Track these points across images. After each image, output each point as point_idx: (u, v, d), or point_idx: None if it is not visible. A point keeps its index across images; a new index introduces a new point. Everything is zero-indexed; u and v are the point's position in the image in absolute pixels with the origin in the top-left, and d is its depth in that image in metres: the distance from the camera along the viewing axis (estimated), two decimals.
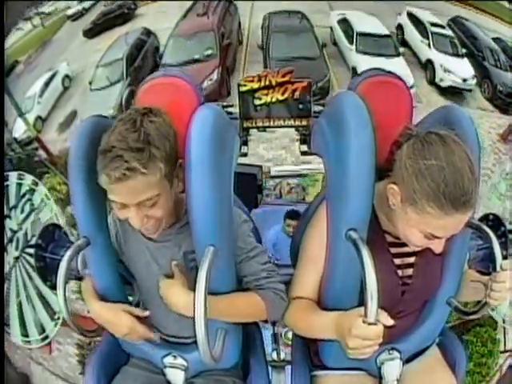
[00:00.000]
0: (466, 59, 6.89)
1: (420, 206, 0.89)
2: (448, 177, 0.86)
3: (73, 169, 0.99)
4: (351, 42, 6.97)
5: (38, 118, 6.41)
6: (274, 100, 2.86)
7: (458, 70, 6.73)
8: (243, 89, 2.81)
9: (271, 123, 2.89)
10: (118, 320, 1.03)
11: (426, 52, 6.95)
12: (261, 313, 1.06)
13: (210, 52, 6.57)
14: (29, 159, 5.44)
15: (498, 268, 0.99)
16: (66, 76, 6.98)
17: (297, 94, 2.82)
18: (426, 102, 6.26)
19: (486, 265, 1.27)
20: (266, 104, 2.86)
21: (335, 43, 7.33)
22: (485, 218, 1.82)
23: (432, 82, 6.76)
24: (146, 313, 1.05)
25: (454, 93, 6.59)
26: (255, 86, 2.83)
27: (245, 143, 2.94)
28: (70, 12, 8.05)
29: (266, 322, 1.20)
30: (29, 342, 2.84)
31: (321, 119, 1.10)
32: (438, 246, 0.94)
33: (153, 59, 6.86)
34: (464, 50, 6.96)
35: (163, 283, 1.04)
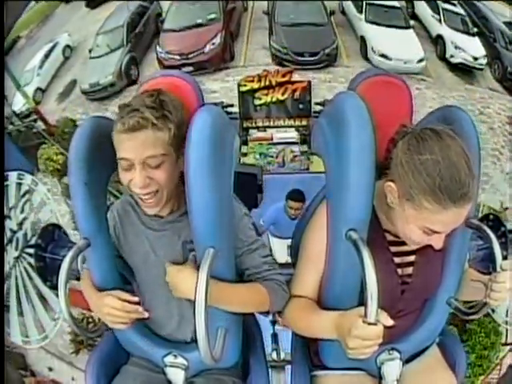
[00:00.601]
0: (477, 38, 6.66)
1: (417, 202, 0.89)
2: (443, 171, 0.86)
3: (73, 169, 0.99)
4: (360, 11, 6.71)
5: (38, 89, 6.27)
6: (274, 100, 2.87)
7: (469, 47, 6.53)
8: (243, 89, 2.82)
9: (271, 123, 2.90)
10: (100, 301, 1.03)
11: (437, 27, 6.72)
12: (263, 302, 1.06)
13: (213, 16, 6.35)
14: (27, 131, 5.40)
15: (498, 268, 0.98)
16: (67, 46, 6.80)
17: (297, 93, 2.83)
18: (435, 76, 6.16)
19: (486, 265, 1.27)
20: (266, 104, 2.86)
21: (343, 12, 7.05)
22: (485, 218, 1.83)
23: (442, 57, 6.53)
24: (135, 298, 1.04)
25: (464, 70, 6.41)
26: (255, 85, 2.84)
27: (245, 143, 2.94)
28: None
29: (267, 313, 1.20)
30: (29, 341, 2.84)
31: (321, 119, 1.10)
32: (437, 242, 0.94)
33: (155, 25, 6.64)
34: (475, 30, 6.74)
35: (171, 269, 1.03)
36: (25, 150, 5.04)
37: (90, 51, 6.48)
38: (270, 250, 1.16)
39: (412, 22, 6.64)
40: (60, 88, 6.35)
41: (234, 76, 5.62)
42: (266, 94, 2.88)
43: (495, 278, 0.97)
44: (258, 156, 4.23)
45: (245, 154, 3.03)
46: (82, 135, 0.99)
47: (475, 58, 6.45)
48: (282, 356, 1.75)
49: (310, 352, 1.21)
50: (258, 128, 2.96)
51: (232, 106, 2.95)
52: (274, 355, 1.75)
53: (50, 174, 4.91)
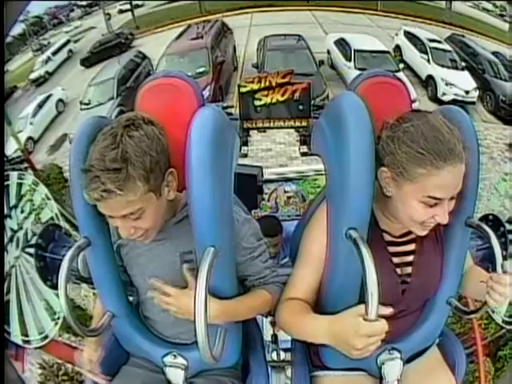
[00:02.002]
0: (466, 72, 6.84)
1: (410, 173, 0.90)
2: (426, 133, 0.89)
3: (73, 169, 0.99)
4: (349, 60, 6.94)
5: (30, 138, 6.41)
6: (274, 101, 2.86)
7: (460, 82, 6.68)
8: (243, 90, 2.82)
9: (271, 124, 2.90)
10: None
11: (426, 68, 6.93)
12: (268, 306, 1.10)
13: (202, 69, 6.46)
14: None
15: (498, 268, 0.98)
16: (60, 100, 7.00)
17: (297, 94, 2.83)
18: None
19: (486, 265, 1.28)
20: (266, 105, 2.86)
21: (332, 67, 7.30)
22: (485, 218, 1.83)
23: (434, 98, 6.69)
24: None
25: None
26: (255, 87, 2.84)
27: (245, 144, 2.94)
28: (32, 76, 7.78)
29: (267, 314, 1.22)
30: (29, 341, 2.84)
31: (321, 119, 1.11)
32: (442, 216, 0.93)
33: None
34: (463, 64, 6.92)
35: (174, 292, 1.00)
36: None
37: (80, 103, 6.56)
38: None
39: (401, 65, 6.79)
40: (51, 141, 6.50)
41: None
42: (266, 95, 2.87)
43: (496, 279, 0.96)
44: None
45: (245, 155, 3.02)
46: (82, 136, 0.99)
47: (467, 92, 6.59)
48: (282, 356, 1.75)
49: (310, 352, 1.21)
50: (258, 129, 2.96)
51: (232, 107, 2.95)
52: (274, 355, 1.75)
53: (54, 203, 4.86)
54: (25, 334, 2.82)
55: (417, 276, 1.05)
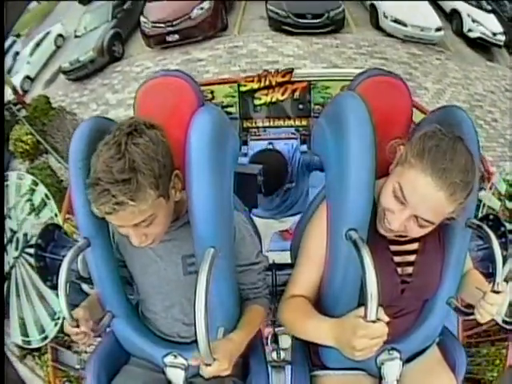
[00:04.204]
0: (492, 15, 6.19)
1: (408, 158, 0.91)
2: (449, 152, 0.88)
3: (73, 169, 0.99)
4: None
5: (26, 77, 5.91)
6: (273, 100, 2.86)
7: (487, 22, 6.09)
8: (243, 89, 2.82)
9: (271, 123, 2.90)
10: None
11: (452, 2, 6.14)
12: (263, 320, 1.16)
13: None
14: (12, 119, 5.06)
15: (497, 280, 0.96)
16: (60, 35, 6.40)
17: (296, 94, 2.83)
18: (454, 50, 5.81)
19: (486, 265, 1.27)
20: (266, 104, 2.86)
21: None
22: (485, 218, 1.83)
23: (459, 32, 6.07)
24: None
25: (482, 47, 5.99)
26: (255, 86, 2.84)
27: (245, 143, 2.95)
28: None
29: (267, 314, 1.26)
30: (29, 342, 2.84)
31: (321, 119, 1.11)
32: (394, 221, 0.93)
33: (144, 3, 5.97)
34: (489, 7, 6.23)
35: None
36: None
37: (75, 31, 6.02)
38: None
39: None
40: (48, 75, 6.01)
41: (225, 44, 5.17)
42: (266, 94, 2.87)
43: (487, 297, 0.95)
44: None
45: (245, 155, 3.03)
46: (81, 135, 0.99)
47: (494, 34, 6.00)
48: (282, 356, 1.75)
49: (310, 352, 1.21)
50: (257, 128, 2.96)
51: (232, 106, 2.95)
52: (274, 355, 1.74)
53: (20, 155, 4.59)
54: (25, 334, 2.82)
55: (418, 276, 1.05)
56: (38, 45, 6.36)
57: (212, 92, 2.97)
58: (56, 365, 2.88)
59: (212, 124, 0.97)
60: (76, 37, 5.98)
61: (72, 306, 1.00)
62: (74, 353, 2.85)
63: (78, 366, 2.83)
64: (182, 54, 5.36)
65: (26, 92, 5.71)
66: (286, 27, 4.91)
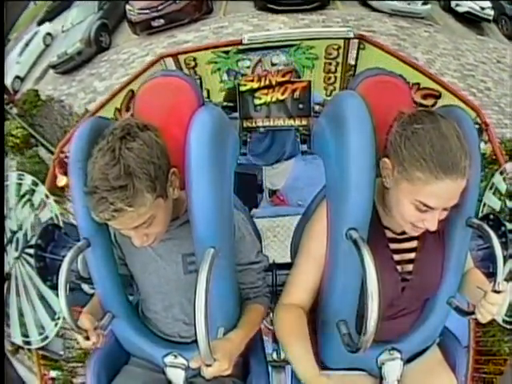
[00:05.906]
0: None
1: (410, 173, 0.89)
2: (434, 140, 0.87)
3: (72, 170, 0.99)
4: None
5: (17, 77, 5.93)
6: (273, 100, 2.85)
7: None
8: (243, 88, 2.81)
9: (271, 123, 2.89)
10: None
11: None
12: (263, 318, 1.16)
13: None
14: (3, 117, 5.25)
15: (498, 280, 0.96)
16: (48, 34, 6.40)
17: (297, 93, 2.82)
18: (443, 24, 5.84)
19: (487, 264, 1.27)
20: (266, 104, 2.86)
21: None
22: (485, 218, 1.82)
23: (447, 8, 6.04)
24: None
25: (471, 21, 5.99)
26: (255, 85, 2.83)
27: (245, 143, 2.94)
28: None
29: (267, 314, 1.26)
30: (29, 342, 2.83)
31: (321, 119, 1.11)
32: (432, 223, 0.93)
33: None
34: None
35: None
36: None
37: (62, 27, 6.07)
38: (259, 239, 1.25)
39: None
40: (37, 73, 6.06)
41: (211, 25, 5.26)
42: (266, 94, 2.86)
43: (488, 297, 0.95)
44: (224, 75, 2.95)
45: (245, 154, 3.02)
46: (81, 136, 0.99)
47: (482, 8, 5.96)
48: (282, 356, 1.75)
49: None
50: (257, 128, 2.95)
51: (232, 106, 2.94)
52: (274, 355, 1.74)
53: (10, 150, 4.63)
54: (25, 334, 2.82)
55: (417, 274, 1.05)
56: (26, 45, 6.37)
57: (195, 59, 2.90)
58: (42, 352, 2.88)
59: (212, 124, 0.97)
60: (63, 31, 6.03)
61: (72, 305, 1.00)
62: (60, 337, 2.83)
63: (61, 353, 2.81)
64: (168, 37, 5.43)
65: (16, 92, 5.74)
66: (272, 5, 4.93)
